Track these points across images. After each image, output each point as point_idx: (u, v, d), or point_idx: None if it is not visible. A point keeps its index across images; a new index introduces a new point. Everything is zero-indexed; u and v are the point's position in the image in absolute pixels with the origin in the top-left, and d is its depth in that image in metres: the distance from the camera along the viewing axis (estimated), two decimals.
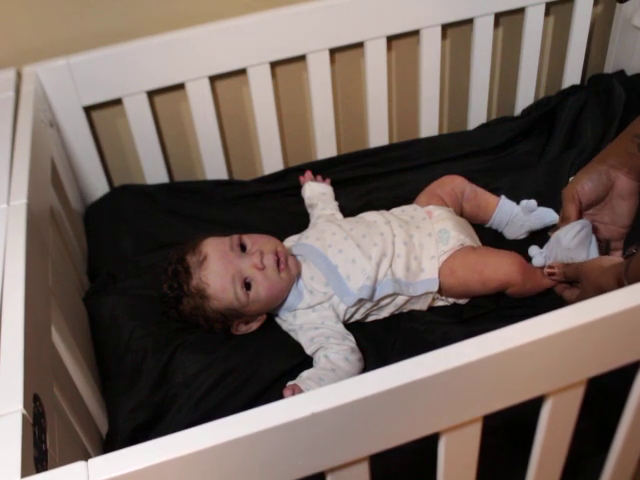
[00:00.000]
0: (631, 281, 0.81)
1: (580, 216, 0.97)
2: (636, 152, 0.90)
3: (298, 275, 0.96)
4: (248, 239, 0.96)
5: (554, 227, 1.03)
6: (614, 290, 0.83)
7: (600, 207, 0.97)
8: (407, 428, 0.56)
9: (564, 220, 0.97)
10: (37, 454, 0.55)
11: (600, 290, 0.87)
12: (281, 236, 1.04)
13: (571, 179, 1.00)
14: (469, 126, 1.43)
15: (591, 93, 1.34)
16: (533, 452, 0.69)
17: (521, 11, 1.33)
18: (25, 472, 0.51)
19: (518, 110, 1.44)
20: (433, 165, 1.30)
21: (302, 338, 0.94)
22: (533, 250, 1.00)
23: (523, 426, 0.70)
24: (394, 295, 0.96)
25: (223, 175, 1.32)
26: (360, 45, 1.27)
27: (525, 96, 1.43)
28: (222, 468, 0.50)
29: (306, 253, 0.99)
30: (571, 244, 0.94)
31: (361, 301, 0.94)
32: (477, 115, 1.42)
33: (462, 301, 1.00)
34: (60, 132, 1.16)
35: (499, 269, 0.96)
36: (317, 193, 1.18)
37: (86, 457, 0.49)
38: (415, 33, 1.29)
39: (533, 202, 1.06)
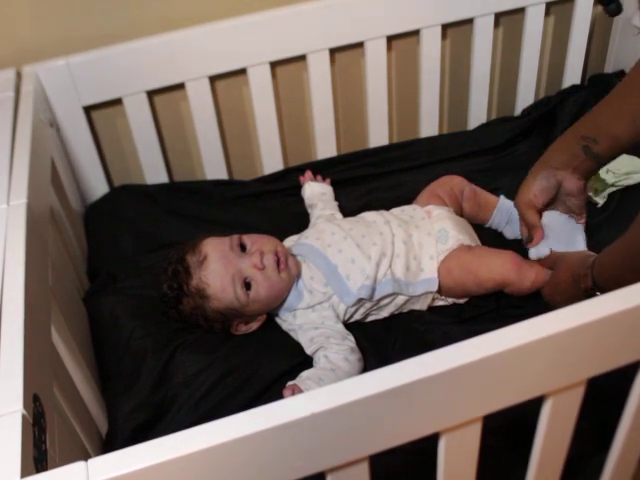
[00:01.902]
0: (595, 267, 0.82)
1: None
2: (580, 154, 0.91)
3: (298, 275, 0.96)
4: (248, 239, 0.96)
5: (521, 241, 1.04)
6: (580, 271, 0.84)
7: (553, 206, 0.99)
8: (407, 428, 0.56)
9: (532, 227, 0.99)
10: (37, 454, 0.55)
11: (572, 269, 0.88)
12: (281, 236, 1.04)
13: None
14: (469, 126, 1.43)
15: (591, 93, 1.34)
16: (533, 452, 0.69)
17: (521, 11, 1.33)
18: (25, 472, 0.51)
19: (518, 110, 1.44)
20: (433, 165, 1.30)
21: (302, 338, 0.94)
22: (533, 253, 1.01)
23: (523, 426, 0.70)
24: (394, 295, 0.96)
25: (223, 175, 1.32)
26: (360, 45, 1.27)
27: (525, 96, 1.43)
28: (222, 468, 0.50)
29: (306, 253, 0.99)
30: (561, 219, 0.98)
31: (361, 301, 0.95)
32: (477, 115, 1.42)
33: (461, 300, 1.00)
34: (60, 132, 1.15)
35: (493, 269, 0.96)
36: (317, 193, 1.18)
37: (86, 457, 0.49)
38: (415, 33, 1.29)
39: None
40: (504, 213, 1.09)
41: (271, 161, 1.33)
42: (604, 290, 0.80)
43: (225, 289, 0.91)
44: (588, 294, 0.82)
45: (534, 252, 0.99)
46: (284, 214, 1.20)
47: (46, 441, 0.59)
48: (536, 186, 0.96)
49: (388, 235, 0.98)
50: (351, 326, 0.96)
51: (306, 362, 0.92)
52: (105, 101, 1.18)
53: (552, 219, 0.99)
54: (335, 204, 1.16)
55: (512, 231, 1.09)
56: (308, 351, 0.92)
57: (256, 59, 1.21)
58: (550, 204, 0.98)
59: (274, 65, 1.25)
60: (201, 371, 0.90)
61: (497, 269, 0.96)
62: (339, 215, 1.12)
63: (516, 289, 0.97)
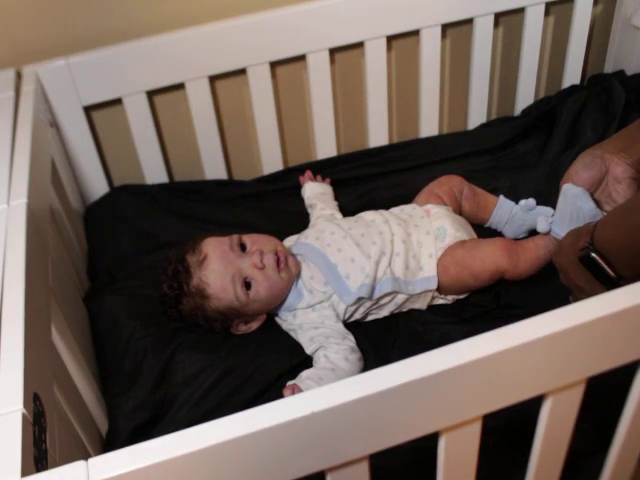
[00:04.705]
0: (597, 238, 0.78)
1: None
2: (637, 137, 0.88)
3: (298, 275, 0.96)
4: (248, 239, 0.96)
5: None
6: (583, 229, 0.80)
7: (598, 195, 0.95)
8: (407, 427, 0.56)
9: None
10: (37, 453, 0.55)
11: (573, 233, 0.84)
12: (281, 236, 1.04)
13: None
14: (469, 126, 1.43)
15: (591, 93, 1.34)
16: (533, 451, 0.69)
17: (521, 11, 1.34)
18: (25, 471, 0.51)
19: (518, 110, 1.44)
20: (433, 165, 1.30)
21: (302, 338, 0.94)
22: (541, 224, 0.98)
23: (523, 425, 0.70)
24: (393, 294, 0.96)
25: (223, 175, 1.32)
26: (360, 45, 1.27)
27: (525, 96, 1.43)
28: (222, 467, 0.50)
29: (305, 252, 0.99)
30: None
31: (360, 300, 0.95)
32: (477, 115, 1.42)
33: (462, 296, 1.00)
34: (60, 132, 1.16)
35: (485, 260, 0.95)
36: (317, 193, 1.18)
37: (86, 457, 0.49)
38: (415, 33, 1.29)
39: (532, 201, 1.06)
40: (503, 212, 1.09)
41: (271, 161, 1.33)
42: (601, 251, 0.76)
43: (225, 289, 0.91)
44: (582, 255, 0.78)
45: (538, 225, 0.98)
46: (284, 214, 1.20)
47: (46, 440, 0.59)
48: (579, 166, 0.92)
49: (387, 234, 0.98)
50: (351, 326, 0.96)
51: (306, 362, 0.92)
52: (105, 101, 1.18)
53: (569, 193, 0.93)
54: (335, 204, 1.17)
55: (512, 231, 1.09)
56: (308, 351, 0.92)
57: (256, 59, 1.21)
58: (594, 190, 0.93)
59: (274, 65, 1.25)
60: (201, 371, 0.90)
61: (488, 258, 0.95)
62: (339, 215, 1.12)
63: (513, 274, 0.96)
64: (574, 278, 0.84)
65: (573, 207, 0.92)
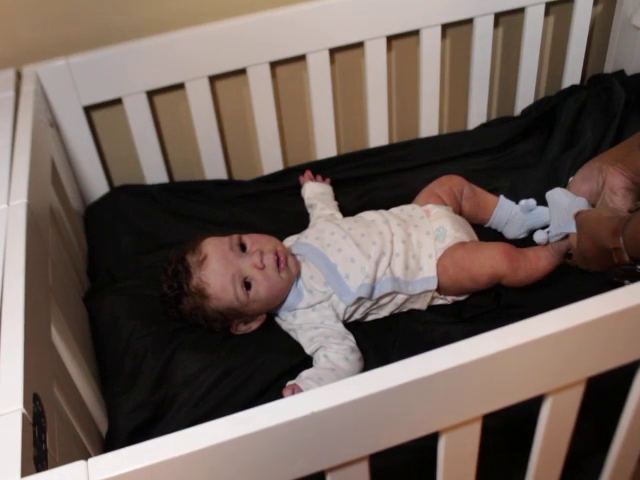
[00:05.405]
0: (626, 238, 0.78)
1: None
2: (635, 148, 0.90)
3: (298, 275, 0.96)
4: (248, 239, 0.96)
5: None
6: (607, 242, 0.81)
7: (598, 205, 0.96)
8: (407, 427, 0.56)
9: None
10: (37, 453, 0.55)
11: (594, 240, 0.85)
12: (281, 236, 1.04)
13: (571, 179, 1.00)
14: (469, 126, 1.43)
15: (591, 93, 1.34)
16: (533, 451, 0.69)
17: (521, 11, 1.34)
18: (25, 471, 0.51)
19: (518, 110, 1.44)
20: (433, 165, 1.30)
21: (302, 338, 0.94)
22: (538, 235, 1.01)
23: (523, 425, 0.70)
24: (393, 294, 0.96)
25: (223, 175, 1.32)
26: (360, 45, 1.27)
27: (525, 96, 1.43)
28: (222, 467, 0.50)
29: (305, 252, 0.99)
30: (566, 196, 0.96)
31: (360, 300, 0.95)
32: (477, 115, 1.42)
33: (461, 298, 1.00)
34: (60, 132, 1.16)
35: (485, 263, 0.95)
36: (317, 193, 1.18)
37: (86, 457, 0.49)
38: (415, 33, 1.29)
39: (532, 201, 1.06)
40: (503, 213, 1.09)
41: (271, 161, 1.33)
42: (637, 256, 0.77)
43: (225, 289, 0.91)
44: (626, 269, 0.79)
45: (535, 236, 1.02)
46: (284, 214, 1.20)
47: (46, 440, 0.59)
48: (578, 177, 0.95)
49: (387, 234, 0.98)
50: (351, 326, 0.96)
51: (306, 362, 0.92)
52: (105, 101, 1.18)
53: (556, 198, 0.97)
54: (335, 204, 1.17)
55: (512, 231, 1.09)
56: (308, 351, 0.92)
57: (256, 59, 1.21)
58: (596, 200, 0.95)
59: (274, 65, 1.25)
60: (201, 371, 0.90)
61: (487, 262, 0.95)
62: (339, 215, 1.12)
63: (511, 281, 0.96)
64: (591, 263, 0.87)
65: (558, 205, 0.96)
